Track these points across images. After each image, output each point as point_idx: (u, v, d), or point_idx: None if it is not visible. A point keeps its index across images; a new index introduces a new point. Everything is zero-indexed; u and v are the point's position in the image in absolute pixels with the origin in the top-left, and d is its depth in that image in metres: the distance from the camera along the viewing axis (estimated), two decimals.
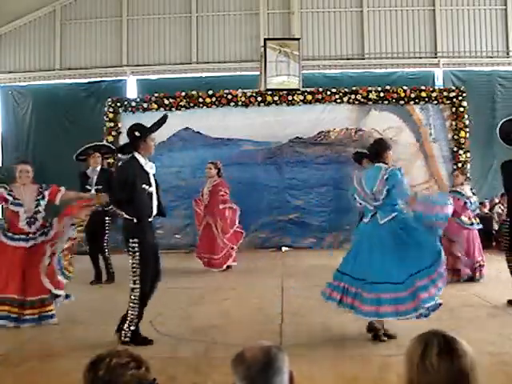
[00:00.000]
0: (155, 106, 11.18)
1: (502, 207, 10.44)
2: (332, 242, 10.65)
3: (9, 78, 13.37)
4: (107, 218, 7.51)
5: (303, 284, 7.04)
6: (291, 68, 11.37)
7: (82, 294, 6.79)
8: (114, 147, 7.95)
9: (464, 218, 7.24)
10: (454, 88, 11.26)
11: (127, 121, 11.24)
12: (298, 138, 11.10)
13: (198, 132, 11.23)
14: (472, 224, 7.34)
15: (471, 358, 1.61)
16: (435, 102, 11.01)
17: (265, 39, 11.89)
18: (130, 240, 4.43)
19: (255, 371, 1.58)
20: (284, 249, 10.74)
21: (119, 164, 4.52)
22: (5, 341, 4.67)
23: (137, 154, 4.58)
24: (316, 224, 10.88)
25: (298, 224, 10.95)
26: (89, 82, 13.15)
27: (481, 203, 10.20)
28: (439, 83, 12.49)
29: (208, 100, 11.15)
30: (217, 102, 11.16)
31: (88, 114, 12.40)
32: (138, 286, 4.41)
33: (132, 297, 4.42)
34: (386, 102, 11.04)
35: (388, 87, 11.11)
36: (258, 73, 12.04)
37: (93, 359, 1.67)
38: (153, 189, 4.60)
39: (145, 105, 11.19)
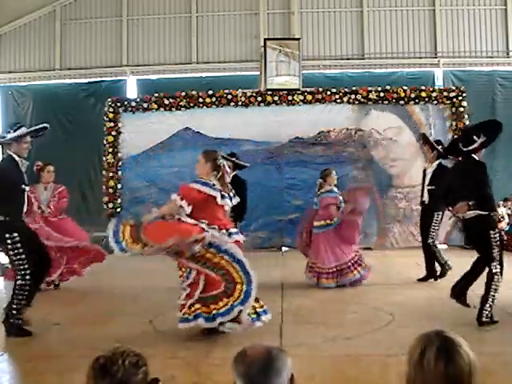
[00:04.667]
0: (155, 105, 11.19)
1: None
2: None
3: (9, 78, 13.36)
4: None
5: (303, 284, 7.04)
6: (291, 68, 11.37)
7: (83, 294, 6.80)
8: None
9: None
10: (454, 88, 11.25)
11: (127, 121, 11.29)
12: (297, 137, 11.08)
13: (197, 132, 11.22)
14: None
15: (471, 362, 1.61)
16: (435, 101, 11.01)
17: (265, 39, 11.88)
18: (491, 232, 4.79)
19: (254, 370, 1.59)
20: (284, 249, 10.74)
21: (475, 165, 4.96)
22: (5, 340, 4.68)
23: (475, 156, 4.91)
24: None
25: (298, 224, 10.95)
26: (89, 82, 13.14)
27: None
28: (439, 83, 12.48)
29: (208, 100, 11.15)
30: (217, 102, 11.16)
31: (88, 114, 12.39)
32: (499, 269, 4.77)
33: (495, 279, 4.76)
34: (386, 101, 11.03)
35: (388, 87, 11.11)
36: (258, 73, 12.05)
37: (101, 362, 1.63)
38: None
39: (145, 105, 11.19)
